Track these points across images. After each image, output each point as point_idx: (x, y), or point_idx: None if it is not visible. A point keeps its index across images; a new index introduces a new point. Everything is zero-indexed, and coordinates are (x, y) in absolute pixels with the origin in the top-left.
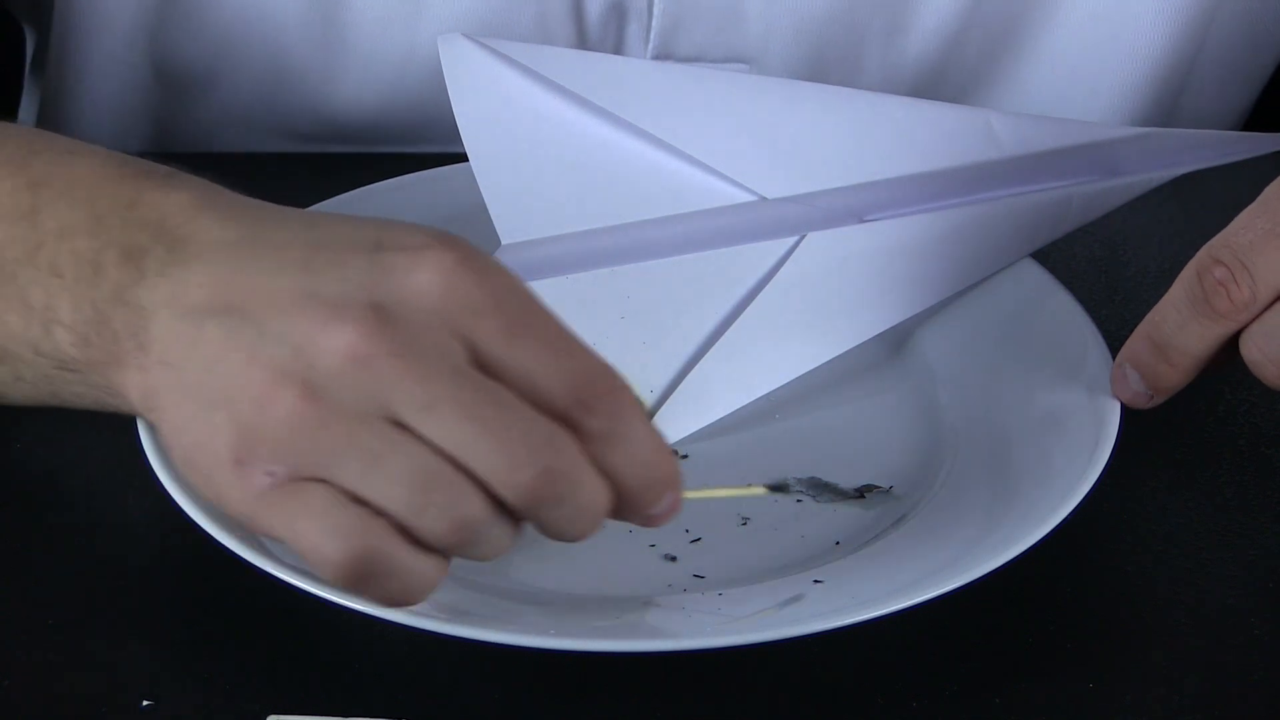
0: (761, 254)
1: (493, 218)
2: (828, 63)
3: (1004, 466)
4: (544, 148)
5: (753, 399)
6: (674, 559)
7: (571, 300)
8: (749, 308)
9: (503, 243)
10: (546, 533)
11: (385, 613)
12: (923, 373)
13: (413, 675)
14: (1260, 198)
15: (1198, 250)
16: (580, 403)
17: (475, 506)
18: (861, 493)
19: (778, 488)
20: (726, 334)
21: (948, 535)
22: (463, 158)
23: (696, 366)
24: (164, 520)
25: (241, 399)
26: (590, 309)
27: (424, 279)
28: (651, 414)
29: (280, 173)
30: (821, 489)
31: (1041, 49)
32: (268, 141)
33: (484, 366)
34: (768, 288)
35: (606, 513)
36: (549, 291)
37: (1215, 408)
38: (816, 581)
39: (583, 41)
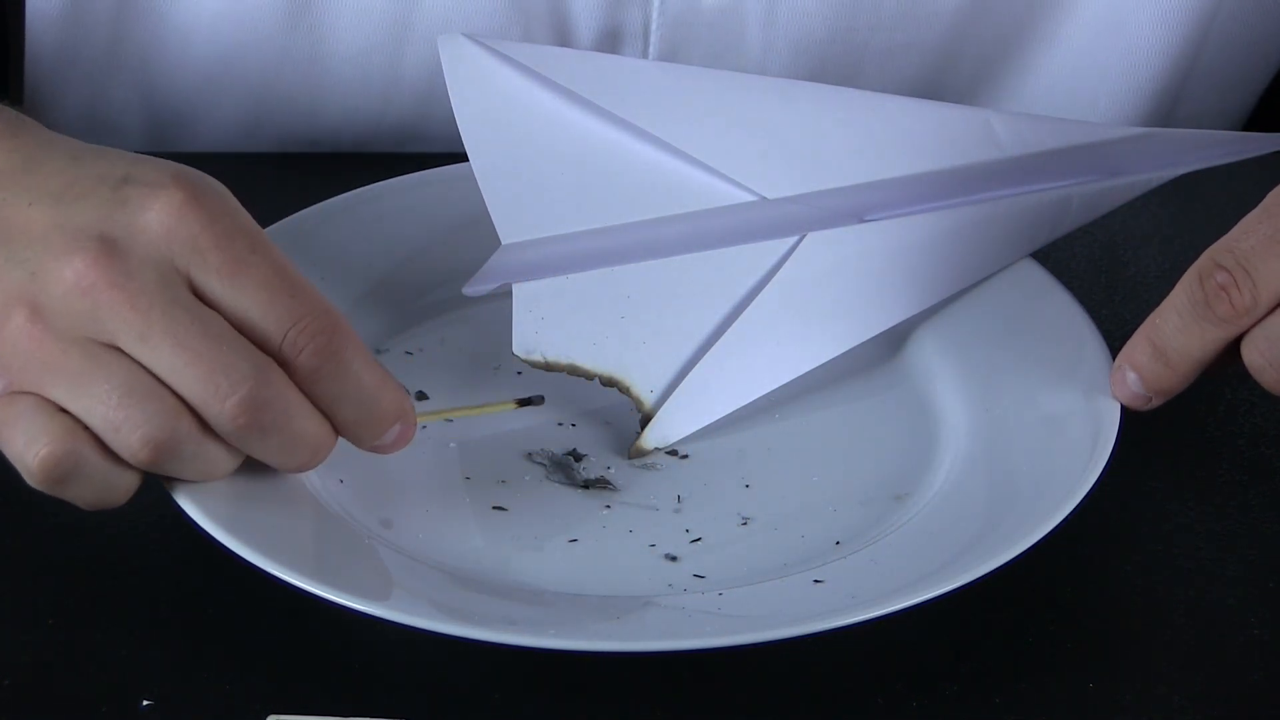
0: (761, 254)
1: (493, 218)
2: (825, 82)
3: (1004, 466)
4: (544, 148)
5: (753, 399)
6: (674, 559)
7: (571, 300)
8: (749, 308)
9: (503, 243)
10: (268, 462)
11: (385, 613)
12: (923, 373)
13: (413, 675)
14: (1263, 203)
15: (1198, 251)
16: (291, 341)
17: (174, 425)
18: (588, 484)
19: (528, 401)
20: (726, 334)
21: (948, 535)
22: (462, 158)
23: (696, 366)
24: (164, 520)
25: None
26: (590, 309)
27: (152, 215)
28: (651, 414)
29: (279, 173)
30: (558, 467)
31: (1038, 63)
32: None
33: (205, 301)
34: (768, 288)
35: (326, 445)
36: (549, 291)
37: (1215, 408)
38: (816, 581)
39: None
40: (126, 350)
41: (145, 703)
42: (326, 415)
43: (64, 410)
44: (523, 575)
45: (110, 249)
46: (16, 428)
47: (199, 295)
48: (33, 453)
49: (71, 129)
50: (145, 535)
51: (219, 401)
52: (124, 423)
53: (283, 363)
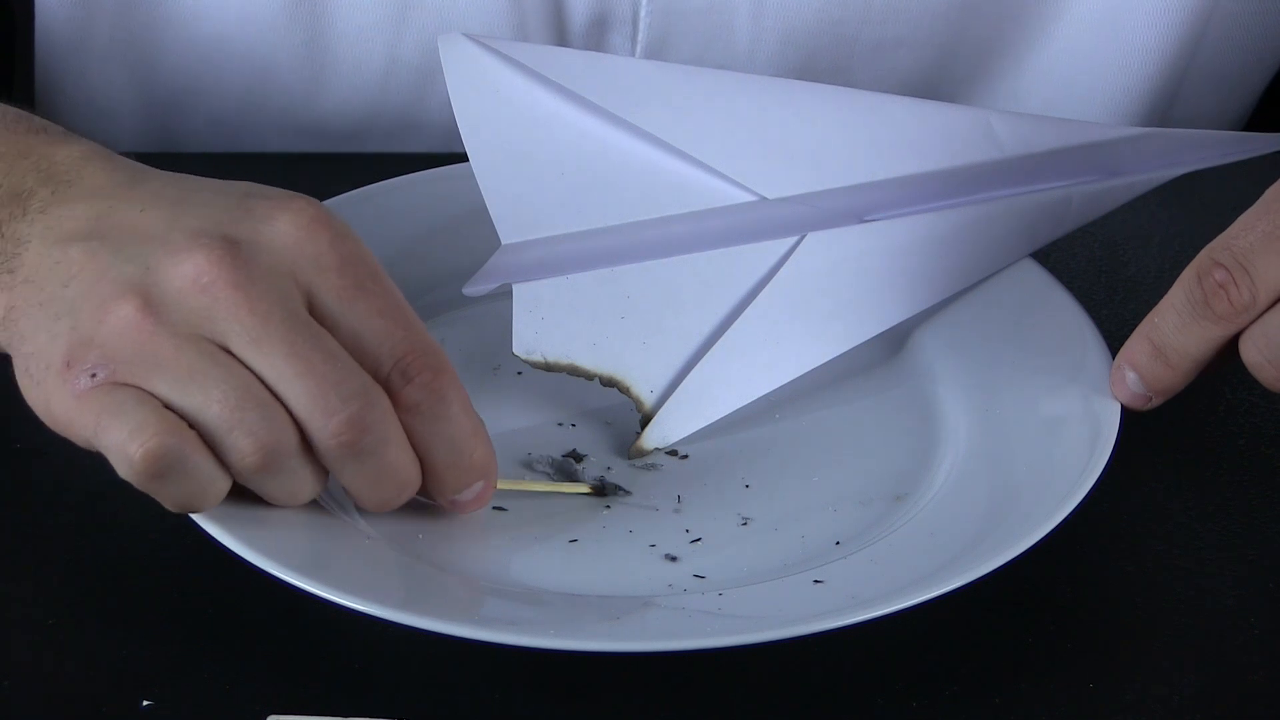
0: (761, 254)
1: (493, 218)
2: (816, 76)
3: (1004, 466)
4: (544, 148)
5: (753, 399)
6: (674, 559)
7: (571, 300)
8: (749, 308)
9: (503, 243)
10: (353, 493)
11: (386, 613)
12: (923, 373)
13: (413, 675)
14: (1260, 200)
15: (1197, 251)
16: (401, 371)
17: (283, 435)
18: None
19: (602, 490)
20: (726, 334)
21: (948, 535)
22: (462, 158)
23: (696, 366)
24: (164, 520)
25: (85, 308)
26: (590, 309)
27: (280, 226)
28: (651, 414)
29: (280, 173)
30: (559, 469)
31: (1033, 61)
32: (254, 142)
33: (319, 319)
34: (768, 288)
35: (412, 485)
36: (549, 291)
37: (1215, 408)
38: (816, 581)
39: None
40: (236, 353)
41: (145, 703)
42: (419, 455)
43: (168, 406)
44: (523, 575)
45: (234, 251)
46: (119, 418)
47: (313, 313)
48: (137, 444)
49: (71, 112)
50: (145, 535)
51: (326, 416)
52: (238, 425)
53: (388, 392)
